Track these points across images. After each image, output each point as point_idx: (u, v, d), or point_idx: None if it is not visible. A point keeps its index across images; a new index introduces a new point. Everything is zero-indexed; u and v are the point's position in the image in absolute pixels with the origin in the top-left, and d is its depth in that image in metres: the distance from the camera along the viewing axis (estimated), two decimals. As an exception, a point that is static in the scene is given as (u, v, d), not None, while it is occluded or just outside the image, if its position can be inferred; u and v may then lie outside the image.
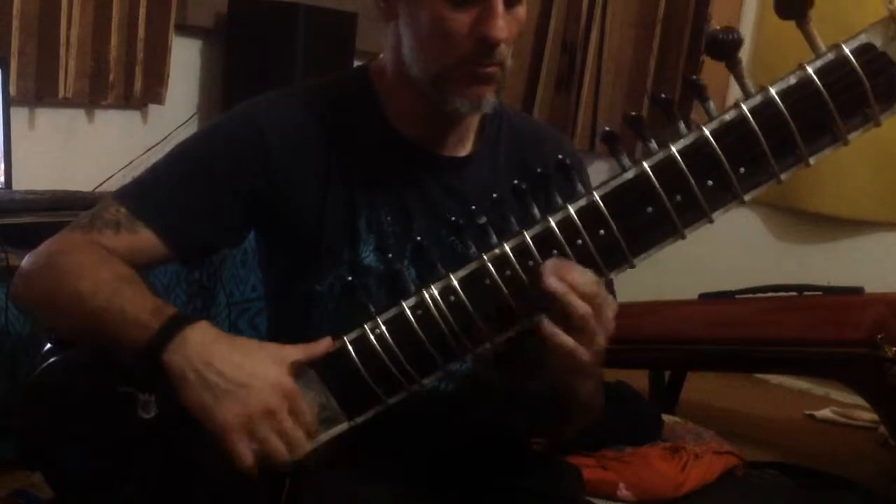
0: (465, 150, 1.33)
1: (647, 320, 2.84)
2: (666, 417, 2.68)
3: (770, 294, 2.87)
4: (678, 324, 2.86)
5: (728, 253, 3.71)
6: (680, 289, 3.10)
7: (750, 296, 2.89)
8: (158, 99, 2.99)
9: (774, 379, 3.64)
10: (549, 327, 1.06)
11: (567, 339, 1.06)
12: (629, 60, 4.03)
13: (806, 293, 2.85)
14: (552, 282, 1.04)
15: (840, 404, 3.40)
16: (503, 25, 1.17)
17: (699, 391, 3.13)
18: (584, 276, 1.05)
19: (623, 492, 2.27)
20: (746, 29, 3.72)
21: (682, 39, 3.91)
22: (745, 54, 3.99)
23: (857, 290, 2.77)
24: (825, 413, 3.35)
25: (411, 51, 1.23)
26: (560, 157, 1.08)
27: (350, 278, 1.16)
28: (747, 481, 2.47)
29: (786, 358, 2.71)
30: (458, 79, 1.20)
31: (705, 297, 2.97)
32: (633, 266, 1.07)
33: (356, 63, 3.10)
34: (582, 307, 1.05)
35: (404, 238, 1.27)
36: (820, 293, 2.82)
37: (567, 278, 1.04)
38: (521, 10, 1.21)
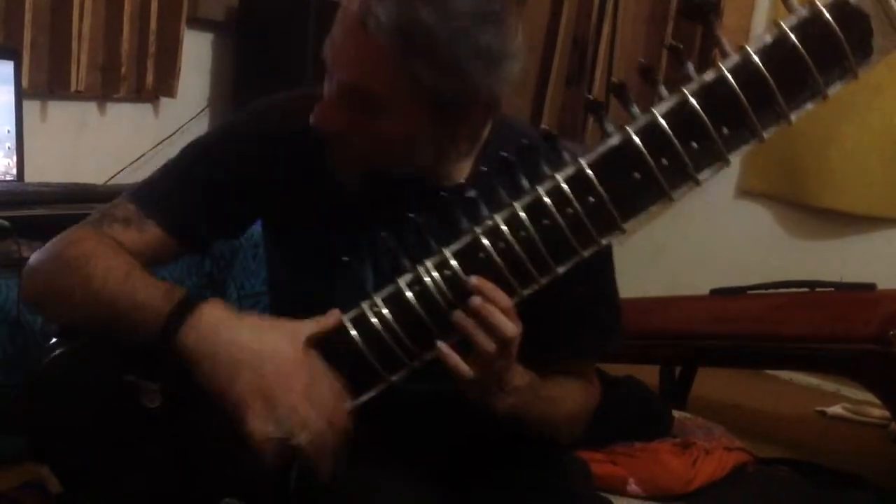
0: (461, 176, 1.27)
1: (658, 315, 2.84)
2: (676, 413, 2.67)
3: (781, 290, 2.87)
4: (689, 319, 2.86)
5: (739, 248, 3.70)
6: (691, 284, 3.10)
7: (761, 291, 2.88)
8: (170, 92, 3.00)
9: (785, 375, 3.63)
10: (448, 355, 1.10)
11: (464, 368, 1.10)
12: (641, 56, 4.02)
13: (817, 289, 2.84)
14: (458, 315, 1.08)
15: (851, 401, 3.39)
16: (328, 117, 1.16)
17: (709, 387, 3.12)
18: (496, 314, 1.07)
19: (633, 487, 2.27)
20: (759, 23, 3.71)
21: (693, 35, 3.88)
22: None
23: (869, 287, 2.76)
24: (836, 410, 3.34)
25: None
26: (544, 126, 1.10)
27: (346, 258, 1.16)
28: (757, 477, 2.46)
29: (797, 354, 2.70)
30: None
31: (716, 293, 2.96)
32: (623, 231, 1.08)
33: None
34: (486, 343, 1.08)
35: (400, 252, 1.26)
36: (832, 289, 2.81)
37: (481, 314, 1.07)
38: (385, 124, 1.13)
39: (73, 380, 1.19)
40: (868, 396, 3.09)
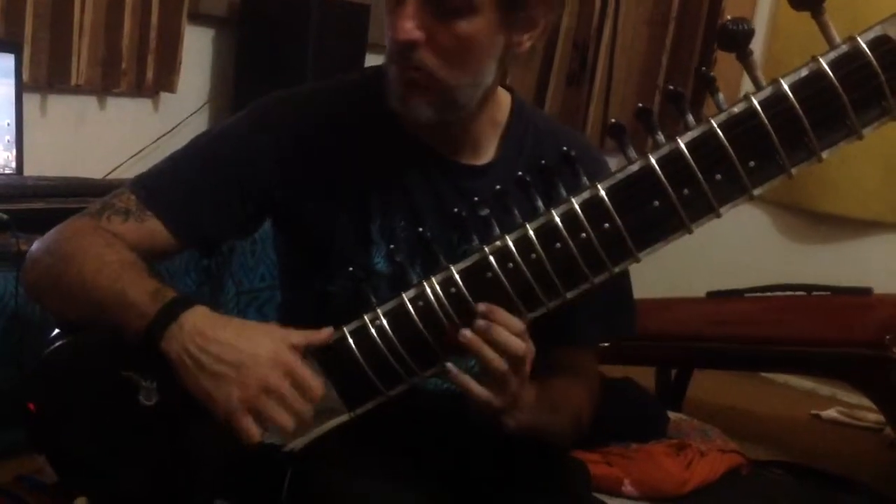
0: (485, 158, 1.31)
1: (655, 317, 2.84)
2: (672, 415, 2.68)
3: (778, 293, 2.87)
4: (686, 321, 2.86)
5: (737, 252, 3.70)
6: (688, 287, 3.10)
7: (758, 295, 2.89)
8: (170, 87, 3.00)
9: (781, 378, 3.63)
10: (458, 376, 1.08)
11: (479, 390, 1.08)
12: (641, 57, 4.02)
13: (814, 293, 2.84)
14: (467, 335, 1.06)
15: (846, 405, 3.40)
16: (407, 28, 1.13)
17: (705, 389, 3.13)
18: (504, 333, 1.06)
19: (628, 488, 2.27)
20: (760, 25, 3.72)
21: (695, 36, 3.90)
22: (758, 50, 4.00)
23: (866, 291, 2.76)
24: (831, 413, 3.35)
25: None
26: (565, 149, 1.07)
27: (351, 269, 1.15)
28: (752, 480, 2.47)
29: (792, 357, 2.70)
30: (389, 78, 1.20)
31: (713, 296, 2.97)
32: (638, 261, 1.06)
33: (368, 55, 3.10)
34: (498, 362, 1.06)
35: (417, 244, 1.26)
36: (828, 293, 2.82)
37: (488, 334, 1.05)
38: (464, 25, 1.14)
39: (73, 372, 1.19)
40: (863, 400, 3.09)
